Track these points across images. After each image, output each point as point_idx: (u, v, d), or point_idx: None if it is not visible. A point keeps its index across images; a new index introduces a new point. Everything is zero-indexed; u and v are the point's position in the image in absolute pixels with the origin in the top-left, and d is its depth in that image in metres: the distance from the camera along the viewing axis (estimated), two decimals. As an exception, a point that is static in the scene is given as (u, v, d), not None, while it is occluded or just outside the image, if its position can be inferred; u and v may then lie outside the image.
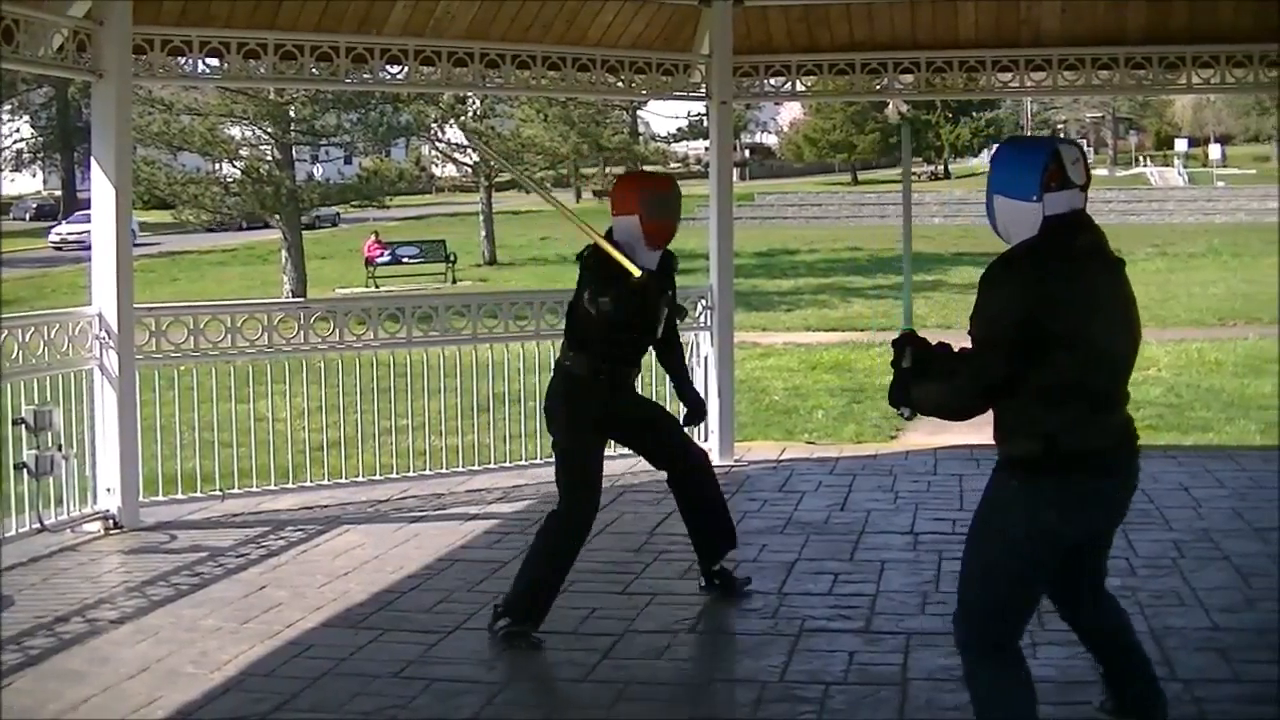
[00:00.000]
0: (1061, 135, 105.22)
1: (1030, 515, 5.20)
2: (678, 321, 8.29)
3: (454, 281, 46.78)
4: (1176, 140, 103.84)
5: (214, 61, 10.77)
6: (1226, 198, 76.52)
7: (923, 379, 5.41)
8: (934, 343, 5.45)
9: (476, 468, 11.62)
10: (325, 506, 10.60)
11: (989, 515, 5.41)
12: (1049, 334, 5.02)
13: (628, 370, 7.87)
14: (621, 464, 11.68)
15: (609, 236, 7.65)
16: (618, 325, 7.42)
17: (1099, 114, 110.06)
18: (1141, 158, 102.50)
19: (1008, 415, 5.27)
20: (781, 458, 12.48)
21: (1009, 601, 5.36)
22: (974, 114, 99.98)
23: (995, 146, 5.63)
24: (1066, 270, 5.10)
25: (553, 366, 8.12)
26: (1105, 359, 5.20)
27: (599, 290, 7.36)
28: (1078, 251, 5.18)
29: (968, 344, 5.22)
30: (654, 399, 9.51)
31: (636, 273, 7.27)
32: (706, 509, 8.19)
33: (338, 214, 68.59)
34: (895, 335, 5.53)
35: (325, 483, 11.17)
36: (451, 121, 52.46)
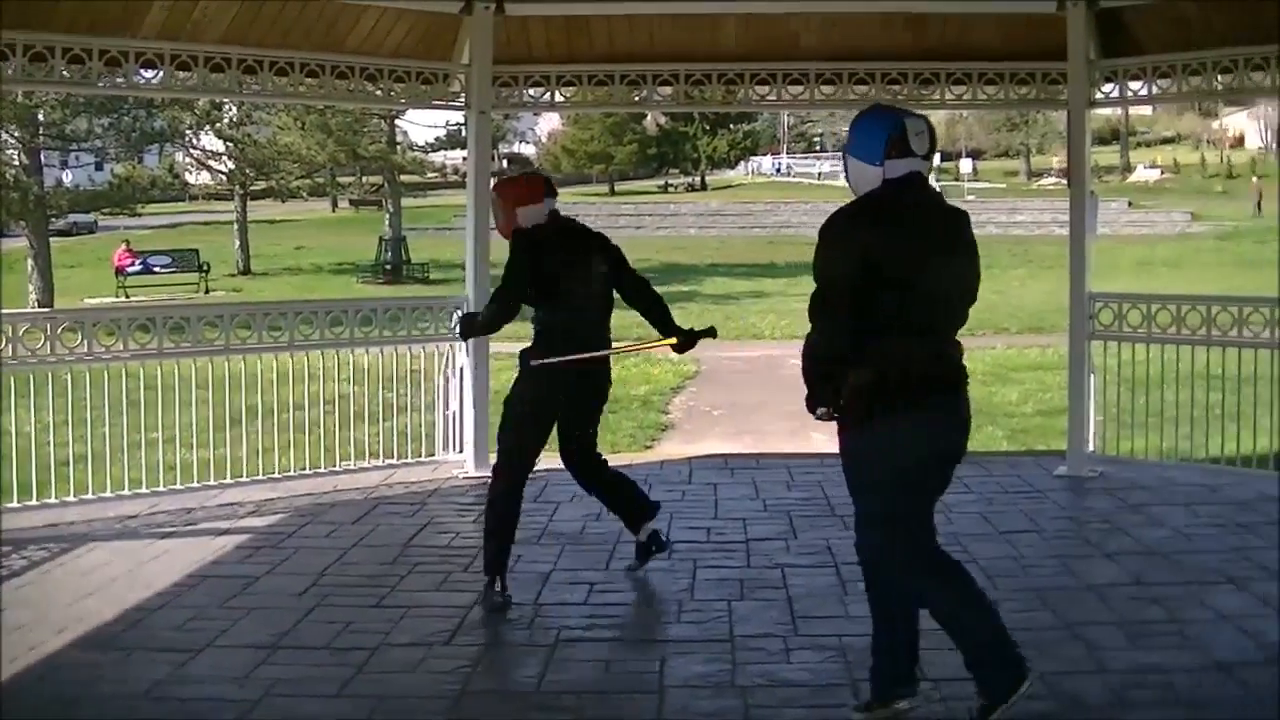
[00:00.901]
0: (818, 148, 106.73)
1: (879, 445, 5.84)
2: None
3: (207, 291, 46.10)
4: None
5: (-45, 62, 10.37)
6: (977, 211, 77.95)
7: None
8: None
9: (228, 481, 11.36)
10: (71, 524, 10.29)
11: (856, 460, 5.99)
12: (878, 276, 5.65)
13: None
14: (376, 475, 11.60)
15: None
16: None
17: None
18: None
19: (834, 361, 5.80)
20: (536, 468, 12.42)
21: (907, 520, 5.99)
22: (731, 126, 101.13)
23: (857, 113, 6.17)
24: (892, 221, 5.76)
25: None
26: (929, 298, 5.78)
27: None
28: (905, 205, 5.83)
29: None
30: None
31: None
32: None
33: (95, 220, 67.12)
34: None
35: (71, 499, 10.73)
36: (207, 128, 51.65)
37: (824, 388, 5.87)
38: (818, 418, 5.96)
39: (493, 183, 8.94)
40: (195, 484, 11.26)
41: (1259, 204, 77.97)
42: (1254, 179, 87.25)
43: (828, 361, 5.84)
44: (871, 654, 6.28)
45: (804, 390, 5.93)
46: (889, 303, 5.70)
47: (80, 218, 62.10)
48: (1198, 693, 6.55)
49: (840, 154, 6.17)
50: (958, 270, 5.98)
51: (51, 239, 41.51)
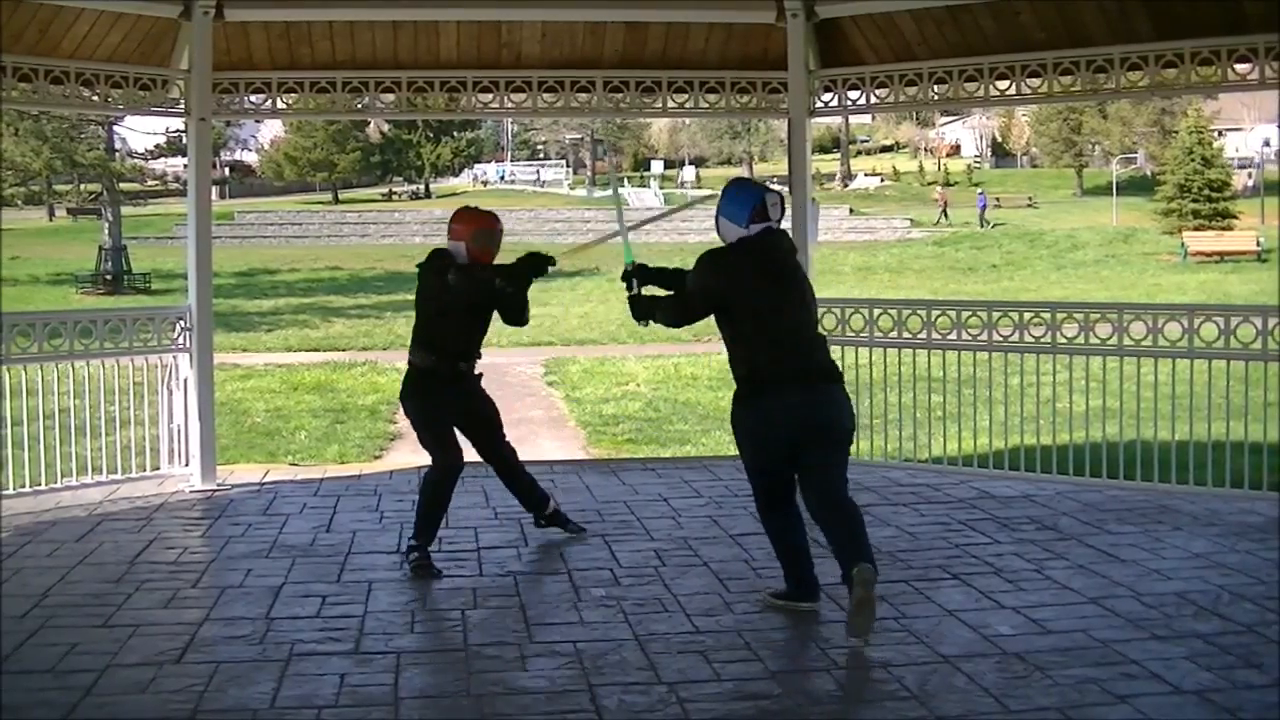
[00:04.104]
0: (542, 155, 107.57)
1: (745, 422, 7.83)
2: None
3: (-84, 305, 44.52)
4: (653, 162, 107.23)
5: None
6: (700, 218, 79.30)
7: (655, 298, 8.39)
8: (653, 267, 8.62)
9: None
10: None
11: (733, 430, 7.98)
12: (731, 301, 7.75)
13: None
14: (100, 491, 11.34)
15: (444, 253, 9.35)
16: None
17: (578, 135, 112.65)
18: (622, 180, 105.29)
19: (729, 359, 7.90)
20: (265, 480, 12.27)
21: (761, 476, 7.98)
22: (455, 134, 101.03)
23: (729, 181, 8.50)
24: (744, 261, 7.81)
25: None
26: (775, 320, 7.70)
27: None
28: (754, 252, 7.80)
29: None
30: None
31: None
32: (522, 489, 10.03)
33: None
34: (624, 270, 8.46)
35: None
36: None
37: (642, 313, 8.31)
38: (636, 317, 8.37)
39: (466, 213, 9.63)
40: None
41: (945, 212, 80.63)
42: (937, 188, 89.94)
43: (663, 324, 8.29)
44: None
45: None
46: (746, 321, 7.73)
47: None
48: (926, 685, 6.72)
49: (715, 211, 8.08)
50: (794, 294, 7.85)
51: None
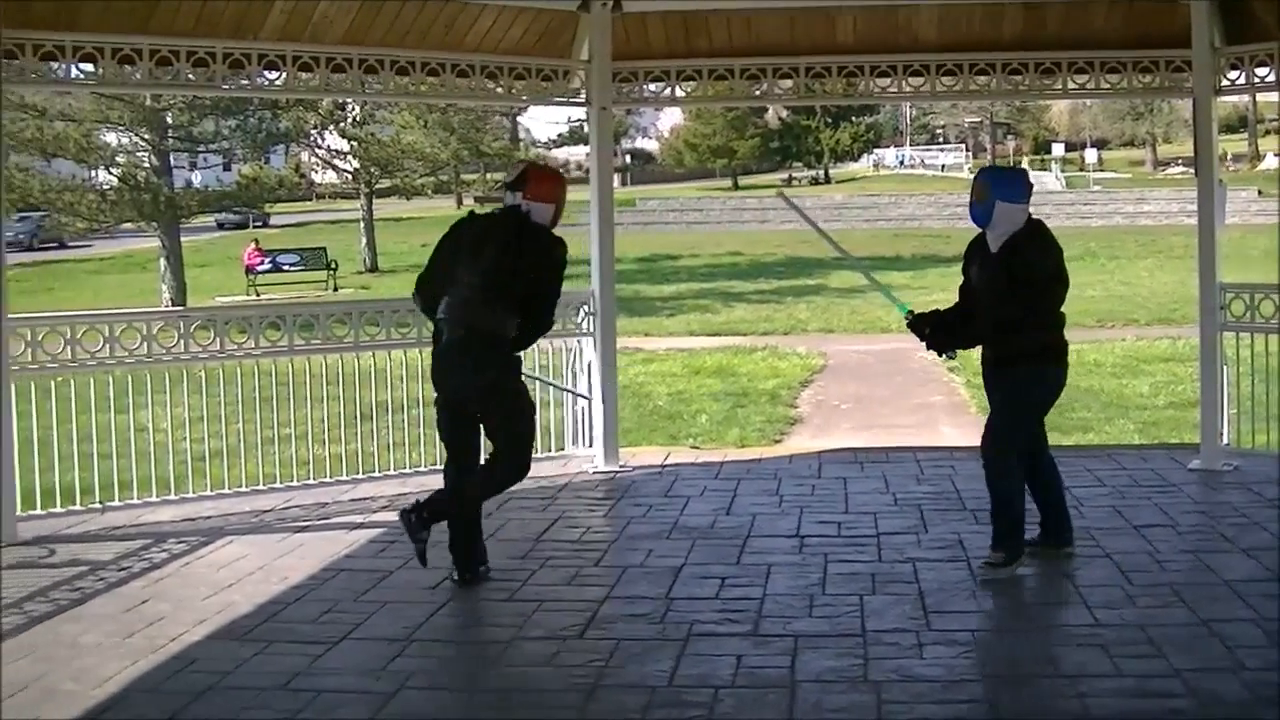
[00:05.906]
0: (941, 140, 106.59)
1: (1053, 381, 8.66)
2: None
3: (335, 289, 46.39)
4: (1053, 144, 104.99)
5: (88, 67, 10.34)
6: (1103, 201, 77.47)
7: (955, 330, 8.75)
8: (930, 312, 8.87)
9: (360, 476, 11.46)
10: (208, 518, 10.44)
11: (1015, 390, 8.58)
12: (1056, 279, 8.43)
13: None
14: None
15: (527, 215, 8.65)
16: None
17: (978, 119, 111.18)
18: (1019, 162, 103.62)
19: (1018, 331, 8.40)
20: (666, 463, 12.45)
21: (1025, 425, 8.72)
22: (853, 119, 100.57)
23: (983, 170, 9.26)
24: (1053, 240, 8.55)
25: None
26: (1067, 292, 8.54)
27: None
28: (1048, 229, 8.61)
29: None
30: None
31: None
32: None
33: (254, 215, 67.85)
34: (906, 321, 8.88)
35: (208, 493, 10.92)
36: (331, 128, 52.18)
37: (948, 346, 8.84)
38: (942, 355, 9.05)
39: (552, 173, 9.19)
40: (328, 479, 11.36)
41: None
42: None
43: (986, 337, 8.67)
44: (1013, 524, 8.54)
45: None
46: (1060, 289, 8.46)
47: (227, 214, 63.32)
48: (1340, 691, 6.43)
49: (982, 196, 8.50)
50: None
51: (189, 236, 42.03)
